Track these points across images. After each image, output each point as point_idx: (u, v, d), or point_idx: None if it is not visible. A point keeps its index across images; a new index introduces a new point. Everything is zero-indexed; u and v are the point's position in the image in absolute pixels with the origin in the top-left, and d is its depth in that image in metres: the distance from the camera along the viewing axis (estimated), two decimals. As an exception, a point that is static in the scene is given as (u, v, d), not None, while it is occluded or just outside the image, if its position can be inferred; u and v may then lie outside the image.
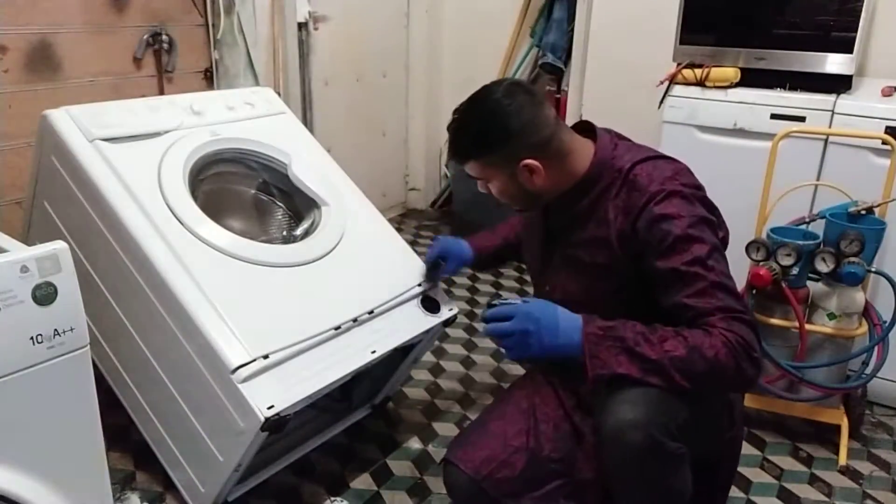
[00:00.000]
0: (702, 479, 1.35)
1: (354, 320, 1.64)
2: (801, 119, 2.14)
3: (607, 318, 1.28)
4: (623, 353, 1.22)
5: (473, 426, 1.60)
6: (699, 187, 1.33)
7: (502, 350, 1.32)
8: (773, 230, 1.95)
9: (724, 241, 1.34)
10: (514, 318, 1.29)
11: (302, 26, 2.99)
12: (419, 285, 1.80)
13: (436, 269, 1.81)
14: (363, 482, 1.86)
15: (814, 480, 1.91)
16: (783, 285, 1.89)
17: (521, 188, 1.38)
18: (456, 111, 1.40)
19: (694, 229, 1.25)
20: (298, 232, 1.90)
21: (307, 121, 3.13)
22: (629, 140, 1.44)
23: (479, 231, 1.86)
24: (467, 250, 1.79)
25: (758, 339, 1.22)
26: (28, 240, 1.79)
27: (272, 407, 1.40)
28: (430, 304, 1.81)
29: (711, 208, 1.33)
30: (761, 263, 1.90)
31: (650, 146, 1.43)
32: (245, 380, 1.42)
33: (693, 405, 1.25)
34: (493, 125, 1.34)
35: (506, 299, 1.33)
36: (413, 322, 1.76)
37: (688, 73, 2.31)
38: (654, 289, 1.30)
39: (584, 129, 1.44)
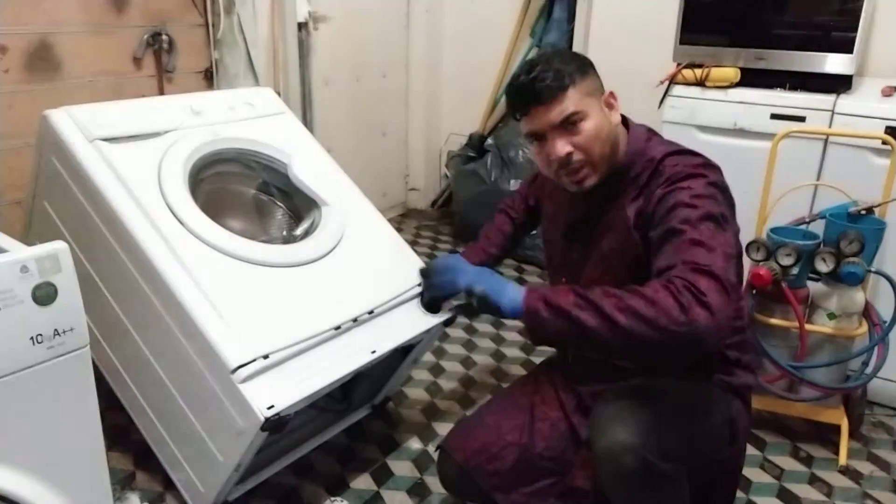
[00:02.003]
0: (700, 494, 1.34)
1: (354, 320, 1.64)
2: (801, 119, 2.14)
3: None
4: (561, 292, 1.17)
5: (471, 417, 1.62)
6: (724, 183, 1.30)
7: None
8: (773, 230, 1.95)
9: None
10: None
11: (302, 26, 2.99)
12: (419, 285, 1.80)
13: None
14: (363, 482, 1.86)
15: (814, 480, 1.91)
16: (783, 285, 1.89)
17: (610, 125, 1.35)
18: (522, 69, 1.34)
19: (697, 199, 1.22)
20: (298, 232, 1.90)
21: (307, 121, 3.13)
22: (661, 136, 1.43)
23: (479, 230, 1.85)
24: None
25: (723, 290, 1.10)
26: (28, 240, 1.78)
27: (272, 407, 1.40)
28: (431, 305, 1.81)
29: (729, 203, 1.30)
30: (761, 263, 1.90)
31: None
32: (245, 380, 1.42)
33: (688, 422, 1.24)
34: (575, 55, 1.37)
35: None
36: (413, 322, 1.76)
37: (688, 73, 2.31)
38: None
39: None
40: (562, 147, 1.31)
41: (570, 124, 1.30)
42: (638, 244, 1.31)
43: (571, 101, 1.30)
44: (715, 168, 1.32)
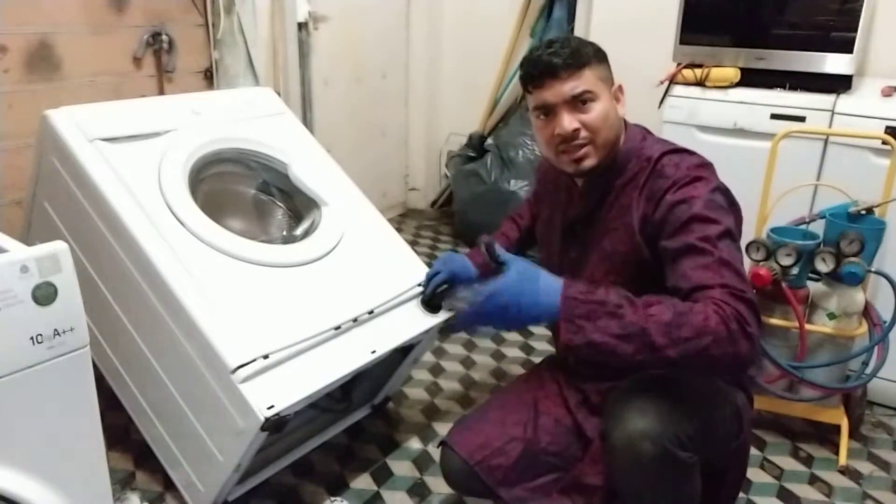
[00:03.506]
0: (707, 486, 1.34)
1: (354, 320, 1.64)
2: (801, 119, 2.14)
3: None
4: (603, 316, 1.12)
5: (474, 412, 1.62)
6: (724, 185, 1.33)
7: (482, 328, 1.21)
8: (773, 230, 1.95)
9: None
10: (495, 294, 1.16)
11: (302, 26, 2.99)
12: (419, 285, 1.80)
13: (440, 296, 1.75)
14: (363, 482, 1.86)
15: (814, 480, 1.91)
16: (783, 285, 1.89)
17: (617, 115, 1.37)
18: (539, 45, 1.36)
19: (710, 211, 1.24)
20: (298, 232, 1.90)
21: (307, 121, 3.12)
22: (655, 135, 1.46)
23: (478, 231, 1.85)
24: (471, 270, 1.71)
25: (758, 319, 1.14)
26: (28, 240, 1.79)
27: (272, 407, 1.40)
28: (431, 304, 1.81)
29: (732, 204, 1.32)
30: (761, 263, 1.90)
31: None
32: (245, 380, 1.42)
33: (702, 413, 1.24)
34: (592, 42, 1.38)
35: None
36: (413, 322, 1.76)
37: (688, 73, 2.31)
38: (664, 274, 1.27)
39: None
40: (570, 122, 1.33)
41: (580, 102, 1.33)
42: (643, 248, 1.32)
43: (586, 79, 1.32)
44: (712, 167, 1.34)
